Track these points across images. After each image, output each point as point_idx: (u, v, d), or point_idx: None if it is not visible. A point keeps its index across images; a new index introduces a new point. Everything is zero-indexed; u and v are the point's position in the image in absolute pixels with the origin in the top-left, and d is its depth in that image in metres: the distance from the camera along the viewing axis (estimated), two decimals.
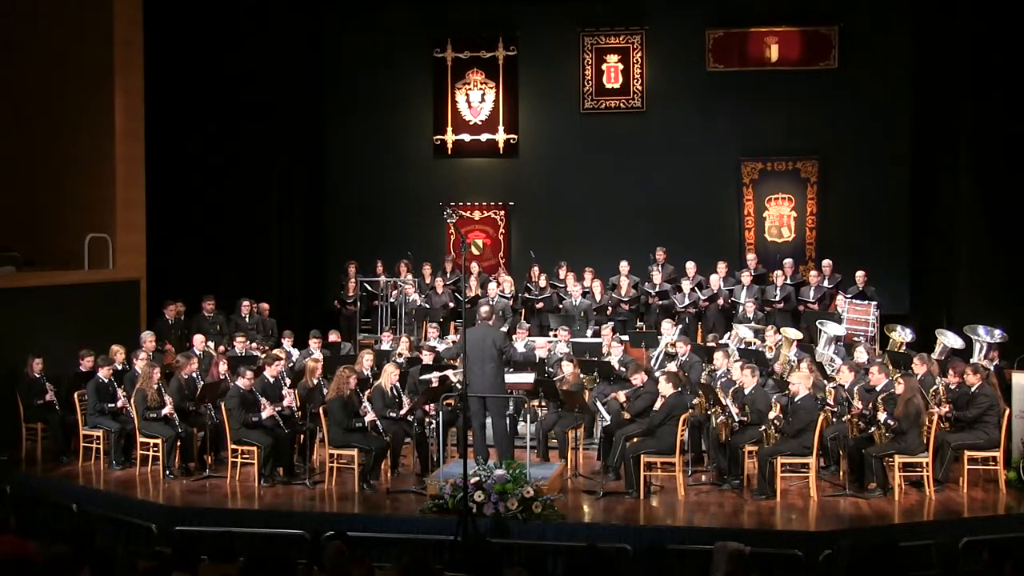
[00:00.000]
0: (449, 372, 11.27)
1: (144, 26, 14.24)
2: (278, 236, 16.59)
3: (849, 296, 14.09)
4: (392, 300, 15.14)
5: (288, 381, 11.32)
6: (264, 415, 10.45)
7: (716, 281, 14.57)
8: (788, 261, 15.08)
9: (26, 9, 13.70)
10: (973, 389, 10.18)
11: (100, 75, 13.70)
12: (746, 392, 10.32)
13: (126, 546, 8.45)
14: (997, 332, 12.07)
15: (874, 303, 13.84)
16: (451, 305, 15.02)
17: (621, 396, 10.71)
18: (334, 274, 16.48)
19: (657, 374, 10.89)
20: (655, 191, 16.81)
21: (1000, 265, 14.12)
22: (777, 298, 14.42)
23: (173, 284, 14.54)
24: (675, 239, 15.68)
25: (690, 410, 10.49)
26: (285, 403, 10.81)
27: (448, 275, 15.62)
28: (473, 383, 10.01)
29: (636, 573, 7.92)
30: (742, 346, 12.59)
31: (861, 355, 11.51)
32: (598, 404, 10.94)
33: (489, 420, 10.49)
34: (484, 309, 10.96)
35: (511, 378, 10.66)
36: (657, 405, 10.05)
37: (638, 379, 10.60)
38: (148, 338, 12.11)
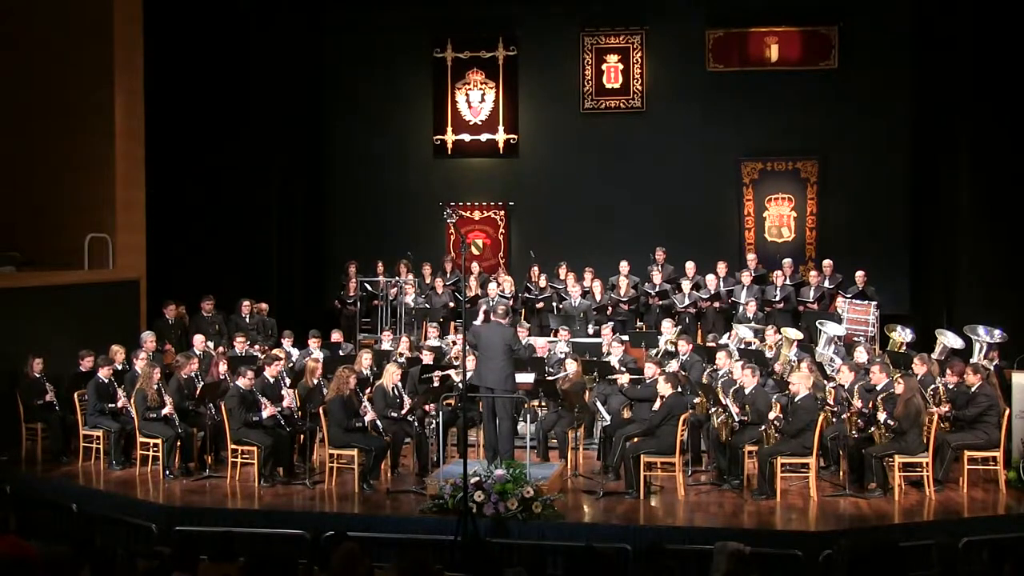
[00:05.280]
0: (451, 372, 11.28)
1: (144, 26, 14.23)
2: (278, 236, 16.60)
3: (849, 296, 14.08)
4: (392, 300, 15.14)
5: (288, 381, 11.33)
6: (265, 414, 10.45)
7: (715, 281, 14.55)
8: (788, 261, 15.05)
9: (26, 9, 13.68)
10: (973, 389, 10.19)
11: (100, 75, 13.68)
12: (746, 392, 10.31)
13: (126, 546, 8.46)
14: (997, 332, 12.06)
15: (874, 303, 13.83)
16: (451, 305, 15.01)
17: (624, 379, 10.77)
18: (334, 274, 16.47)
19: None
20: (655, 191, 16.79)
21: (1000, 265, 14.12)
22: (777, 298, 14.40)
23: (173, 284, 14.54)
24: (675, 239, 15.67)
25: (690, 410, 10.49)
26: (285, 403, 10.80)
27: (448, 275, 15.61)
28: (485, 379, 10.10)
29: (636, 573, 7.92)
30: (742, 346, 12.58)
31: (861, 355, 11.50)
32: (598, 404, 10.96)
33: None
34: (500, 308, 11.04)
35: None
36: (656, 405, 10.07)
37: (650, 371, 10.69)
38: (148, 338, 12.12)
